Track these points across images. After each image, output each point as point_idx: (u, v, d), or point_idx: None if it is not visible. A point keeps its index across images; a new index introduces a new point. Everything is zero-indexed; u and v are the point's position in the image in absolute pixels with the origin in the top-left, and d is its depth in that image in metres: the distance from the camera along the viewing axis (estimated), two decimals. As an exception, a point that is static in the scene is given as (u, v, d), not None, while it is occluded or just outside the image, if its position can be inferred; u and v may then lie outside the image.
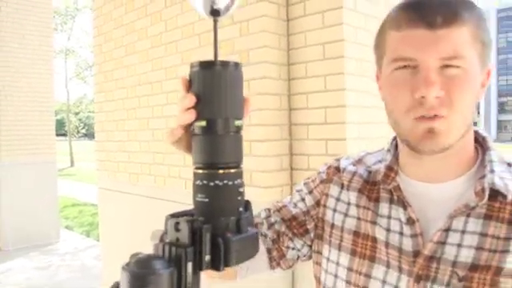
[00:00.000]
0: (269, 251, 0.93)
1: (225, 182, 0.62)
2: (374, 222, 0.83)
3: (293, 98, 2.26)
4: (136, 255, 0.59)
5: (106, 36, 3.33)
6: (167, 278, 0.55)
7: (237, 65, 0.64)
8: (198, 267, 0.59)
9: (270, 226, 0.95)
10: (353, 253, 0.84)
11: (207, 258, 0.60)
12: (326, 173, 0.94)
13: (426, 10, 0.69)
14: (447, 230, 0.75)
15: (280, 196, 2.22)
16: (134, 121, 3.07)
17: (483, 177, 0.74)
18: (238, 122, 0.64)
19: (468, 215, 0.74)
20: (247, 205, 0.67)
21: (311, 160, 2.20)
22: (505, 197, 0.72)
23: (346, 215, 0.88)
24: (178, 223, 0.61)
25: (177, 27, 2.65)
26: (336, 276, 0.87)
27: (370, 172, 0.88)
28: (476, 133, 0.81)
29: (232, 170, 0.63)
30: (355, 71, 2.05)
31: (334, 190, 0.91)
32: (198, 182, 0.64)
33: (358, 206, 0.86)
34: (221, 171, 0.63)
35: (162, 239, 0.63)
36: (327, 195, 0.92)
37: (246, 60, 2.24)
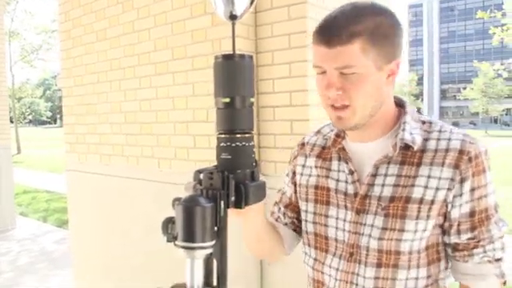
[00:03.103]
0: (295, 231, 1.25)
1: (243, 143, 0.85)
2: (327, 176, 1.13)
3: (260, 84, 2.48)
4: (179, 198, 0.81)
5: (74, 22, 3.41)
6: (210, 210, 0.77)
7: (250, 57, 0.87)
8: (226, 205, 0.81)
9: (284, 216, 1.26)
10: (315, 201, 1.15)
11: (232, 198, 0.82)
12: (296, 150, 1.27)
13: (326, 33, 0.97)
14: (375, 175, 1.04)
15: (250, 172, 2.45)
16: (106, 104, 3.19)
17: (398, 134, 1.02)
18: (251, 99, 0.86)
19: (389, 163, 1.03)
20: (256, 162, 0.90)
21: (277, 139, 2.44)
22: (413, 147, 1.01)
23: (309, 176, 1.19)
24: (211, 173, 0.83)
25: (149, 15, 2.79)
26: (306, 221, 1.18)
27: (326, 139, 1.18)
28: (400, 100, 1.10)
29: (247, 135, 0.86)
30: (317, 59, 2.30)
31: (300, 160, 1.23)
32: (222, 144, 0.85)
33: (316, 167, 1.17)
34: (239, 135, 0.85)
35: (195, 187, 0.85)
36: (296, 165, 1.24)
37: (218, 48, 2.44)
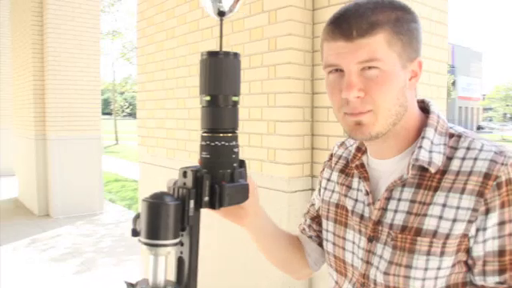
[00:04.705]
0: (320, 245, 1.14)
1: (223, 142, 0.83)
2: (346, 195, 1.02)
3: (316, 83, 2.43)
4: (153, 192, 0.81)
5: (148, 21, 3.58)
6: (173, 208, 0.76)
7: (236, 54, 0.84)
8: (199, 205, 0.80)
9: (309, 229, 1.17)
10: (335, 221, 1.05)
11: (206, 198, 0.81)
12: (326, 160, 1.15)
13: (343, 25, 0.83)
14: (388, 198, 0.90)
15: (301, 172, 2.41)
16: (173, 100, 3.32)
17: (414, 152, 0.88)
18: (235, 98, 0.84)
19: (403, 185, 0.89)
20: (242, 163, 0.88)
21: (330, 140, 2.37)
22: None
23: (332, 192, 1.08)
24: (185, 172, 0.82)
25: (212, 14, 2.85)
26: (327, 240, 1.07)
27: (350, 152, 1.05)
28: (425, 105, 0.94)
29: (229, 134, 0.84)
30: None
31: (326, 172, 1.13)
32: (203, 143, 0.84)
33: (338, 183, 1.06)
34: (221, 134, 0.83)
35: (174, 184, 0.85)
36: (323, 178, 1.14)
37: (273, 46, 2.42)
